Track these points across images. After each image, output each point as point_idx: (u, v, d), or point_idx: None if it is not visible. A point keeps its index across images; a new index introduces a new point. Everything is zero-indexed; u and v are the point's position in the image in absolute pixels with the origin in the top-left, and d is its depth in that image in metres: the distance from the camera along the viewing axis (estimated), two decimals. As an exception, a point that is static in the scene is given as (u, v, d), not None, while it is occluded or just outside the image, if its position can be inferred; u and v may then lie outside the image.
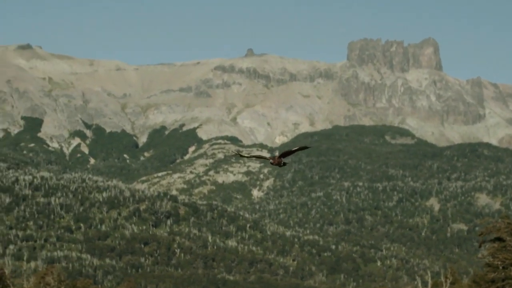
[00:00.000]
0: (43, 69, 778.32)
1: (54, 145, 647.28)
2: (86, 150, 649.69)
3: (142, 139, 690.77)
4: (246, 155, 28.11)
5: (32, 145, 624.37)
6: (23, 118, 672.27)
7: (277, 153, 27.66)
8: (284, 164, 27.60)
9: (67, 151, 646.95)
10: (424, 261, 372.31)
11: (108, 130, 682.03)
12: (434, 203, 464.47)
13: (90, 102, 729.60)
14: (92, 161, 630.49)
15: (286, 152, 27.31)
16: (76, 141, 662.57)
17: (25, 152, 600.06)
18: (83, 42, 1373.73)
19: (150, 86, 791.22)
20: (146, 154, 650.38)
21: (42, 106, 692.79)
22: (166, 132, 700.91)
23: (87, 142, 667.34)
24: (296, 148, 26.95)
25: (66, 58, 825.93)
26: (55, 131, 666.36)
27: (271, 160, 26.37)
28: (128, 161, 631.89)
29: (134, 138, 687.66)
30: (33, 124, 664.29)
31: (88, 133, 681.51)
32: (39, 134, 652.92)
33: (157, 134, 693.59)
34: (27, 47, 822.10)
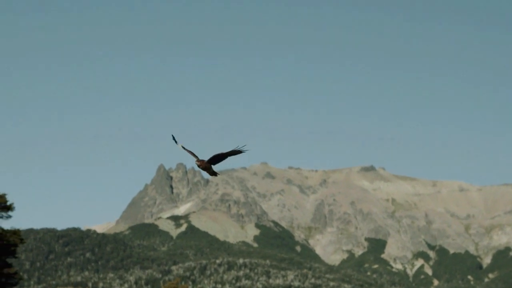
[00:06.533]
0: (386, 191, 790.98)
1: (398, 266, 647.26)
2: (429, 271, 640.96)
3: (486, 260, 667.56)
4: (183, 147, 22.00)
5: (375, 266, 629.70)
6: (366, 239, 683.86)
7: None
8: (215, 173, 21.69)
9: (410, 272, 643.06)
10: None
11: (451, 251, 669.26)
12: None
13: (433, 223, 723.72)
14: (435, 282, 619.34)
15: (217, 156, 21.01)
16: (419, 262, 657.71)
17: (368, 273, 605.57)
18: (426, 163, 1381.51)
19: (493, 206, 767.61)
20: (490, 275, 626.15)
21: (386, 227, 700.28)
22: (511, 253, 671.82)
23: (431, 263, 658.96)
24: (227, 152, 21.01)
25: (409, 180, 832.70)
26: (398, 252, 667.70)
27: (197, 162, 21.14)
28: (472, 282, 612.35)
29: (478, 259, 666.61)
30: (377, 245, 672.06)
31: (432, 254, 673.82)
32: (383, 255, 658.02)
33: (501, 255, 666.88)
34: (371, 168, 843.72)
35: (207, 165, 21.06)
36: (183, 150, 21.58)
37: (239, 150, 20.64)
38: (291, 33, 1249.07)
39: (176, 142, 21.90)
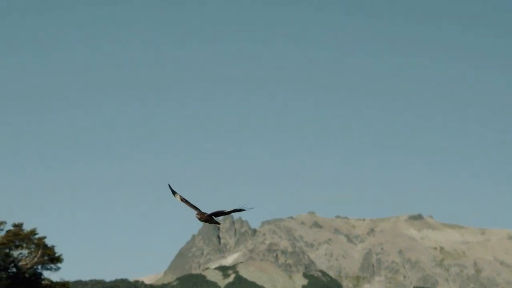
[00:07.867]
0: (434, 239, 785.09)
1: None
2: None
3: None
4: (181, 198, 21.76)
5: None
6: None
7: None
8: (217, 223, 21.76)
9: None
10: None
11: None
12: None
13: (482, 272, 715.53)
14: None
15: (219, 213, 21.52)
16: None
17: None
18: (474, 211, 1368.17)
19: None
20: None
21: (434, 276, 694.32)
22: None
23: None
24: (229, 210, 21.33)
25: (457, 228, 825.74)
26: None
27: (197, 215, 21.28)
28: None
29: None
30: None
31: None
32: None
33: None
34: (418, 217, 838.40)
35: (208, 218, 21.13)
36: (182, 202, 21.36)
37: (241, 209, 20.46)
38: (338, 79, 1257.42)
39: (173, 193, 21.34)
